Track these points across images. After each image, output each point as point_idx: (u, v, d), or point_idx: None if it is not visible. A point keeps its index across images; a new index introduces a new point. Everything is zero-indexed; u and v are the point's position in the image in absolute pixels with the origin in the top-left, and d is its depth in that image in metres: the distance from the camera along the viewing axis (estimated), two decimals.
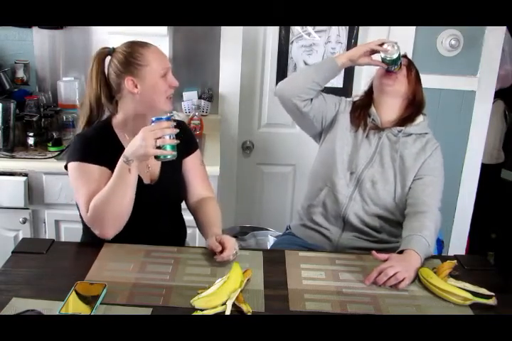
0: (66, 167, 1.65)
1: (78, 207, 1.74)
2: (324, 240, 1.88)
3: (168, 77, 1.63)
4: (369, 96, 1.95)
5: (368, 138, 1.89)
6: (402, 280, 1.46)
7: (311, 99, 1.87)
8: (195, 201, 1.79)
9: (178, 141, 1.51)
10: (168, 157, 1.51)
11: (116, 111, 1.68)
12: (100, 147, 1.62)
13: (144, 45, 1.63)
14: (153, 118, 1.51)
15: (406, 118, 1.88)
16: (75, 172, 1.61)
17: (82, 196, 1.58)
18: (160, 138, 1.48)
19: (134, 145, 1.50)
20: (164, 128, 1.48)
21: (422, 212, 1.70)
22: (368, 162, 1.86)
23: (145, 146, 1.47)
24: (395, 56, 1.78)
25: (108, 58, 1.65)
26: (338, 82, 2.86)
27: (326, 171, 1.91)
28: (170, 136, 1.50)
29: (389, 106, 1.89)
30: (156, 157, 1.51)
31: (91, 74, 1.64)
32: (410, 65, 1.89)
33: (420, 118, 1.92)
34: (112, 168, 1.57)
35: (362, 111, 1.92)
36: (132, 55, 1.60)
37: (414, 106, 1.89)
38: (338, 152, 1.88)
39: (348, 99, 2.01)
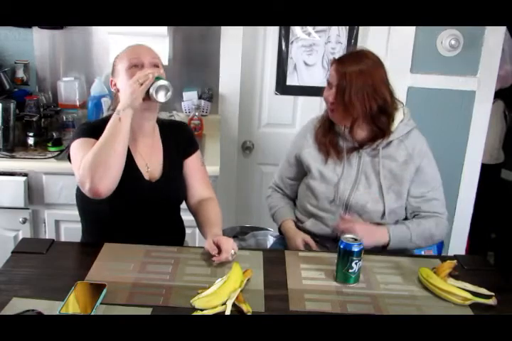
0: (69, 157, 1.64)
1: (76, 204, 1.74)
2: (320, 247, 1.84)
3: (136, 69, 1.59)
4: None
5: (348, 160, 1.78)
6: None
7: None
8: (196, 202, 1.78)
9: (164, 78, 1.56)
10: (160, 83, 1.54)
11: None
12: (104, 129, 1.58)
13: (129, 47, 1.66)
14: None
15: (382, 132, 1.73)
16: (76, 148, 1.60)
17: (77, 163, 1.55)
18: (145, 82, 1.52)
19: (123, 98, 1.54)
20: (148, 72, 1.53)
21: (431, 217, 1.79)
22: (353, 185, 1.77)
23: (132, 91, 1.51)
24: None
25: None
26: None
27: (309, 205, 1.84)
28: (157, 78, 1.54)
29: (356, 126, 1.74)
30: (148, 97, 1.54)
31: None
32: (346, 79, 1.67)
33: (399, 118, 1.76)
34: None
35: (328, 135, 1.80)
36: (115, 58, 1.66)
37: (382, 122, 1.72)
38: (317, 186, 1.80)
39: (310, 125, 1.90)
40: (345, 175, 1.78)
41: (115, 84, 1.66)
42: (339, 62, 1.72)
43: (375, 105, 1.69)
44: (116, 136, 1.51)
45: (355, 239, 1.47)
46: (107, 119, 1.68)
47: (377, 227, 1.73)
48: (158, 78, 1.55)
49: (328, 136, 1.81)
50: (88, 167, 1.48)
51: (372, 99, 1.68)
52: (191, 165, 1.79)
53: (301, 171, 1.91)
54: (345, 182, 1.77)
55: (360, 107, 1.68)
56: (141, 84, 1.51)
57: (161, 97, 1.55)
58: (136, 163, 1.67)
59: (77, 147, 1.60)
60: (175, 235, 1.82)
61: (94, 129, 1.60)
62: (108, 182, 1.49)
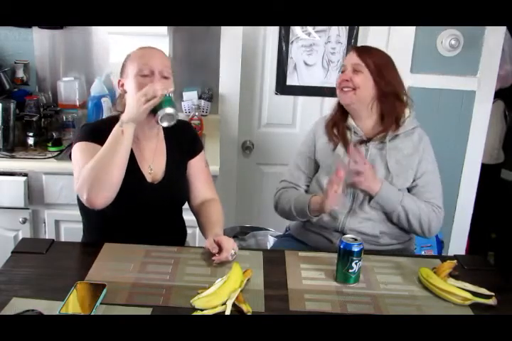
0: (70, 156, 1.65)
1: (78, 204, 1.74)
2: (325, 241, 1.84)
3: (150, 78, 1.58)
4: (340, 108, 1.86)
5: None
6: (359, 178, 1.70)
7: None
8: (199, 203, 1.78)
9: (171, 97, 1.53)
10: (167, 111, 1.51)
11: (122, 109, 1.69)
12: (106, 132, 1.59)
13: (139, 48, 1.64)
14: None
15: (391, 124, 1.79)
16: (77, 151, 1.61)
17: (78, 169, 1.56)
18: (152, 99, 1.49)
19: (128, 110, 1.52)
20: (156, 88, 1.49)
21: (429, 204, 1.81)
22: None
23: (138, 106, 1.49)
24: None
25: None
26: None
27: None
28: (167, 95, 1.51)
29: (367, 117, 1.82)
30: (153, 113, 1.52)
31: None
32: (371, 69, 1.76)
33: (407, 113, 1.82)
34: None
35: (338, 127, 1.85)
36: (125, 59, 1.64)
37: (395, 108, 1.79)
38: (323, 178, 1.82)
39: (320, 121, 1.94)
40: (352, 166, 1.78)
41: (122, 85, 1.64)
42: (363, 51, 1.79)
43: (397, 93, 1.78)
44: (117, 149, 1.50)
45: (355, 239, 1.47)
46: (107, 121, 1.70)
47: (376, 175, 1.76)
48: (166, 101, 1.51)
49: (337, 128, 1.85)
50: (86, 179, 1.49)
51: (390, 87, 1.77)
52: (195, 166, 1.78)
53: (314, 167, 1.92)
54: (351, 172, 1.77)
55: (385, 90, 1.76)
56: (148, 100, 1.49)
57: (165, 123, 1.54)
58: (139, 164, 1.67)
59: (78, 152, 1.60)
60: (176, 236, 1.82)
61: (96, 132, 1.61)
62: (104, 197, 1.50)
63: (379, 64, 1.76)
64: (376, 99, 1.78)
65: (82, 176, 1.50)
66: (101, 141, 1.55)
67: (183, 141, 1.77)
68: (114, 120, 1.66)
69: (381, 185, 1.74)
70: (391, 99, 1.78)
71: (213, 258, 1.52)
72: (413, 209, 1.76)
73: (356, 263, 1.45)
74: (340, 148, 1.83)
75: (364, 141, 1.82)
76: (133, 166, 1.65)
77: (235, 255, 1.54)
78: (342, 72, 1.81)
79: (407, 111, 1.82)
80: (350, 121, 1.84)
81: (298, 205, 1.82)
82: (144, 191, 1.66)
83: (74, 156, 1.62)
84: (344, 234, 1.77)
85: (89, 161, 1.53)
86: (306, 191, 1.92)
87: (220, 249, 1.52)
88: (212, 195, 1.80)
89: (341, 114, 1.86)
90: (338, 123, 1.86)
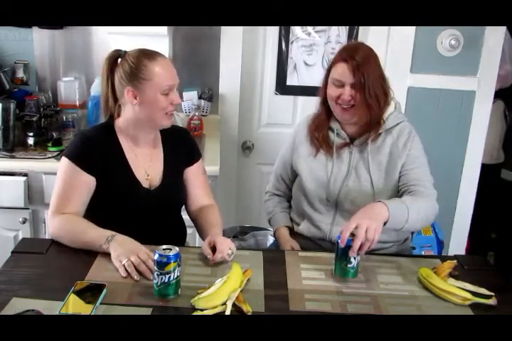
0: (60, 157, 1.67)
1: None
2: (316, 246, 1.82)
3: (170, 94, 1.59)
4: (324, 108, 1.79)
5: (338, 155, 1.77)
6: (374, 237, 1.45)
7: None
8: (196, 209, 1.79)
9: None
10: None
11: (118, 115, 1.68)
12: (97, 150, 1.63)
13: (152, 57, 1.58)
14: (157, 252, 1.33)
15: (375, 122, 1.72)
16: (62, 168, 1.63)
17: (55, 194, 1.62)
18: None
19: (116, 252, 1.48)
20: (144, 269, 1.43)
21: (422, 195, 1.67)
22: (343, 181, 1.75)
23: (118, 264, 1.46)
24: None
25: (119, 61, 1.62)
26: None
27: (301, 205, 1.83)
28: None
29: (354, 122, 1.75)
30: None
31: (102, 75, 1.65)
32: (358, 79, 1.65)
33: (390, 110, 1.75)
34: (98, 176, 1.61)
35: (320, 131, 1.79)
36: (137, 67, 1.57)
37: (377, 105, 1.69)
38: (308, 185, 1.79)
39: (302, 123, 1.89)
40: (335, 171, 1.77)
41: (136, 97, 1.59)
42: (349, 60, 1.66)
43: (385, 98, 1.71)
44: (90, 247, 1.54)
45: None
46: (102, 128, 1.70)
47: (371, 205, 1.55)
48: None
49: (320, 131, 1.80)
50: (57, 238, 1.60)
51: (383, 93, 1.70)
52: (192, 174, 1.79)
53: (294, 174, 1.90)
54: (335, 178, 1.76)
55: (377, 102, 1.68)
56: (131, 265, 1.44)
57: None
58: (134, 171, 1.67)
59: (62, 171, 1.63)
60: (176, 236, 1.82)
61: (87, 149, 1.62)
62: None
63: (369, 76, 1.65)
64: (364, 108, 1.70)
65: (55, 232, 1.59)
66: (86, 165, 1.60)
67: (181, 148, 1.78)
68: (107, 131, 1.68)
69: (387, 207, 1.52)
70: (376, 106, 1.69)
71: (209, 257, 1.51)
72: (418, 215, 1.60)
73: (355, 258, 1.45)
74: (321, 154, 1.79)
75: (347, 144, 1.77)
76: (127, 172, 1.66)
77: (232, 255, 1.54)
78: (337, 86, 1.70)
79: (391, 108, 1.75)
80: (334, 123, 1.78)
81: (271, 225, 1.97)
82: (140, 196, 1.67)
83: (59, 168, 1.65)
84: (332, 243, 1.73)
85: (65, 186, 1.60)
86: (290, 196, 1.95)
87: (215, 250, 1.52)
88: (209, 201, 1.81)
89: (325, 114, 1.79)
90: (321, 126, 1.79)
